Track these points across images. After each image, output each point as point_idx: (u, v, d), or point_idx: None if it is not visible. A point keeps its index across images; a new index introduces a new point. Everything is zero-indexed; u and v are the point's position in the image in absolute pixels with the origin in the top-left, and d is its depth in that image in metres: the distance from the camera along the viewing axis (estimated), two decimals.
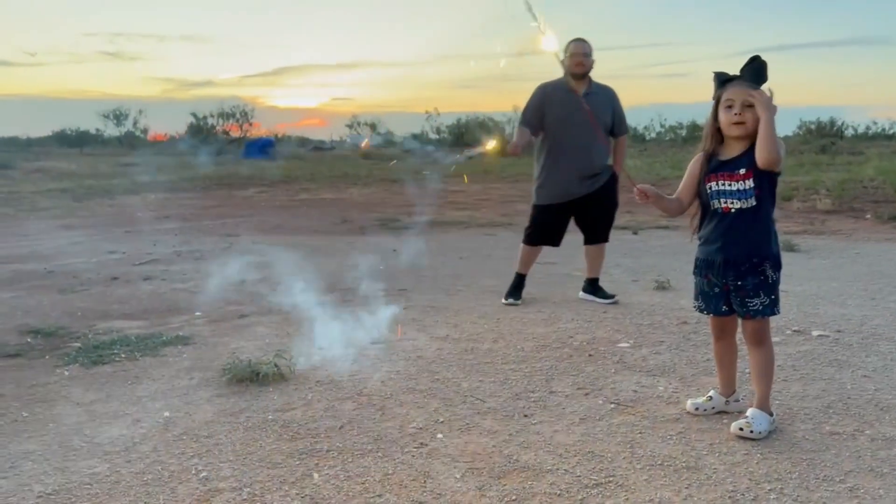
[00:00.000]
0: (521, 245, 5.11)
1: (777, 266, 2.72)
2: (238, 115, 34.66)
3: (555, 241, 5.04)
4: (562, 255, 7.22)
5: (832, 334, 4.06)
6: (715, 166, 2.74)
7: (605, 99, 4.91)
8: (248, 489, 2.35)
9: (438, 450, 2.63)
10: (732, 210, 2.70)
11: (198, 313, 4.81)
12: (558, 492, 2.31)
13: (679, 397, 3.12)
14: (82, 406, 3.12)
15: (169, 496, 2.32)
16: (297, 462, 2.54)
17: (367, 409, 3.03)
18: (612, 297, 4.97)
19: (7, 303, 5.12)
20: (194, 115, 35.19)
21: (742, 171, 2.66)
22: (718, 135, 2.74)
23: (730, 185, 2.69)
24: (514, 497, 2.28)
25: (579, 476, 2.41)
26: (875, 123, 32.08)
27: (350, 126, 38.07)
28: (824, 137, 25.78)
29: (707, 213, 2.80)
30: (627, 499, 2.26)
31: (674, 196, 2.90)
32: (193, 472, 2.48)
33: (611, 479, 2.39)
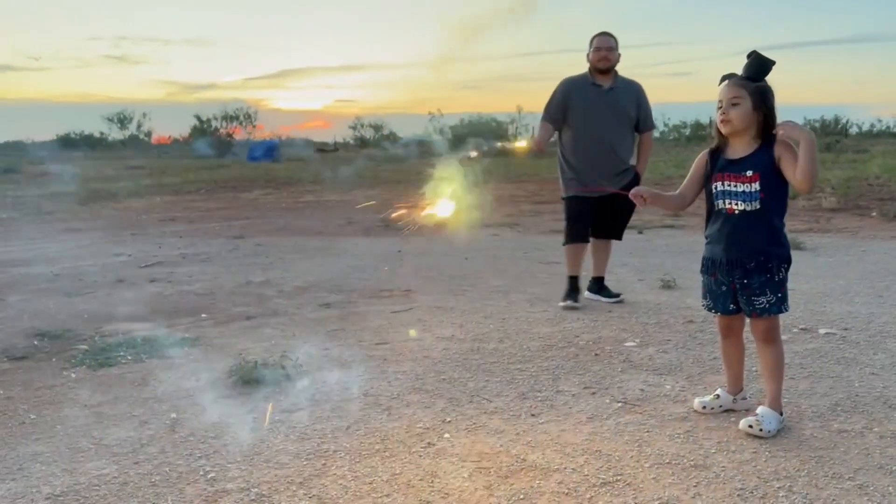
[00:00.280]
0: (564, 247, 4.98)
1: (785, 264, 2.71)
2: (242, 118, 34.76)
3: (589, 232, 4.91)
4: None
5: (839, 332, 4.05)
6: (722, 165, 2.73)
7: (630, 94, 4.84)
8: (256, 489, 2.35)
9: (446, 449, 2.63)
10: (736, 211, 2.70)
11: (204, 315, 4.82)
12: (566, 491, 2.31)
13: (686, 396, 3.11)
14: (90, 408, 3.13)
15: (177, 497, 2.32)
16: (305, 462, 2.55)
17: (374, 410, 3.03)
18: (617, 295, 4.95)
19: (14, 306, 5.14)
20: (198, 117, 35.31)
21: (749, 173, 2.66)
22: (721, 132, 2.74)
23: (735, 186, 2.68)
24: (522, 496, 2.28)
25: (587, 475, 2.41)
26: (880, 121, 32.07)
27: (354, 127, 38.09)
28: (829, 135, 25.73)
29: (712, 212, 2.80)
30: (635, 497, 2.26)
31: (676, 192, 2.90)
32: (201, 473, 2.48)
33: (619, 477, 2.39)
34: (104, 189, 15.28)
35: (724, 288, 2.79)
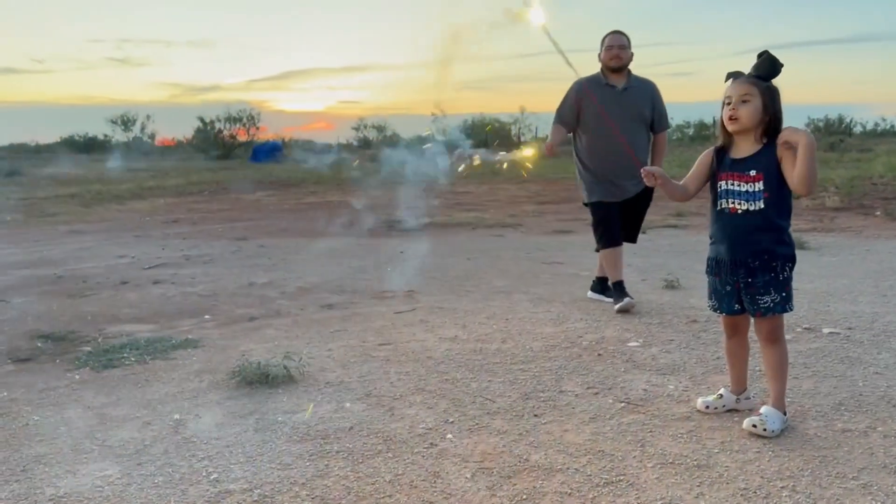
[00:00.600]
0: (600, 253, 4.85)
1: (789, 263, 2.70)
2: (245, 120, 34.79)
3: (620, 233, 4.82)
4: (569, 255, 7.22)
5: (843, 331, 4.04)
6: (727, 165, 2.73)
7: (646, 93, 4.76)
8: (259, 490, 2.35)
9: (448, 450, 2.63)
10: (739, 211, 2.69)
11: (207, 316, 4.82)
12: (569, 491, 2.31)
13: (689, 396, 3.11)
14: (93, 409, 3.13)
15: (180, 498, 2.32)
16: (308, 463, 2.55)
17: (377, 410, 3.03)
18: (615, 296, 4.85)
19: (18, 308, 5.15)
20: (201, 119, 35.34)
21: (752, 172, 2.65)
22: (727, 130, 2.73)
23: (739, 185, 2.68)
24: (524, 497, 2.28)
25: (590, 475, 2.40)
26: (884, 120, 31.95)
27: (357, 129, 38.11)
28: (833, 135, 25.69)
29: (715, 211, 2.80)
30: (638, 497, 2.26)
31: (681, 182, 2.90)
32: (204, 474, 2.48)
33: (621, 477, 2.39)
34: (107, 191, 15.31)
35: (728, 288, 2.79)
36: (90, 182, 17.38)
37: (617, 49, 4.65)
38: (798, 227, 8.52)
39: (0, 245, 8.66)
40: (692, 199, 3.01)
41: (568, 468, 2.46)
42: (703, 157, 2.83)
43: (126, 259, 7.35)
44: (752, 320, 2.83)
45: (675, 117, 32.71)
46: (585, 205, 4.91)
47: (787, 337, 2.90)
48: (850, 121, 29.72)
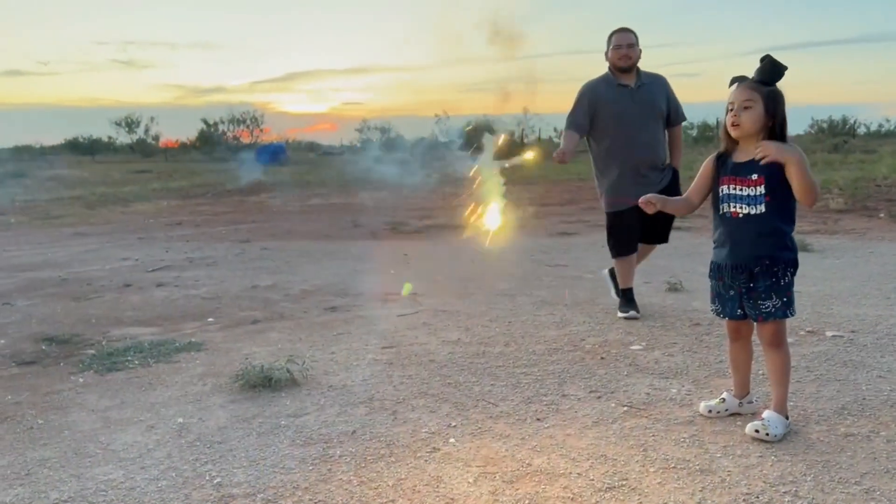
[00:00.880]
0: (614, 260, 4.76)
1: (791, 268, 2.69)
2: (249, 121, 34.87)
3: (634, 245, 4.71)
4: (572, 257, 7.22)
5: (846, 335, 4.03)
6: (729, 169, 2.73)
7: (659, 88, 4.62)
8: (262, 495, 2.36)
9: (451, 454, 2.63)
10: (740, 215, 2.69)
11: (210, 319, 4.83)
12: (571, 496, 2.31)
13: (692, 400, 3.11)
14: (97, 413, 3.14)
15: (183, 502, 2.33)
16: (311, 467, 2.55)
17: (380, 414, 3.04)
18: (619, 296, 4.73)
19: (22, 311, 5.17)
20: (205, 121, 35.43)
21: (754, 176, 2.65)
22: (730, 135, 2.73)
23: (740, 189, 2.68)
24: (527, 501, 2.28)
25: (592, 480, 2.40)
26: (888, 121, 31.93)
27: (360, 130, 38.19)
28: (836, 136, 25.64)
29: (717, 215, 2.80)
30: (640, 502, 2.26)
31: (683, 196, 2.90)
32: (207, 477, 2.49)
33: (624, 482, 2.39)
34: (112, 193, 15.35)
35: (731, 292, 2.78)
36: (95, 184, 17.42)
37: (626, 49, 4.51)
38: (801, 229, 8.50)
39: (5, 247, 8.69)
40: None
41: (570, 473, 2.46)
42: (705, 167, 2.83)
43: (130, 262, 7.37)
44: (754, 325, 2.83)
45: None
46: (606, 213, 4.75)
47: (790, 340, 2.90)
48: (854, 122, 29.69)
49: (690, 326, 4.31)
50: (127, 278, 6.37)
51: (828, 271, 6.03)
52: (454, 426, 2.89)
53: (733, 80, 2.71)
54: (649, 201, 2.84)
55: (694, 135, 30.66)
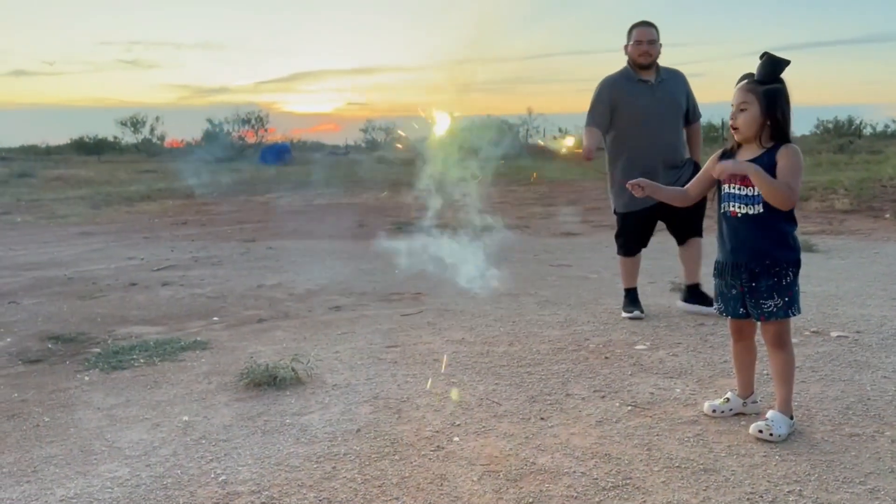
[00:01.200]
0: (619, 258, 4.70)
1: (793, 268, 2.69)
2: (254, 121, 34.92)
3: (645, 243, 4.67)
4: (576, 257, 7.22)
5: (851, 335, 4.02)
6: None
7: (679, 84, 4.53)
8: (267, 492, 2.37)
9: (455, 453, 2.64)
10: (739, 214, 2.69)
11: (215, 318, 4.85)
12: (575, 494, 2.31)
13: (696, 399, 3.11)
14: (102, 411, 3.16)
15: (188, 500, 2.34)
16: (315, 465, 2.56)
17: (384, 413, 3.04)
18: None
19: (28, 309, 5.19)
20: (210, 121, 35.49)
21: None
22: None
23: (739, 189, 2.68)
24: (530, 500, 2.28)
25: (596, 479, 2.41)
26: (894, 122, 31.76)
27: (365, 130, 38.23)
28: (842, 136, 25.55)
29: (719, 214, 2.80)
30: (644, 501, 2.26)
31: (683, 187, 2.91)
32: (212, 475, 2.50)
33: (628, 481, 2.39)
34: (117, 193, 15.39)
35: (733, 291, 2.78)
36: (100, 184, 17.47)
37: (646, 45, 4.40)
38: (806, 229, 8.49)
39: (11, 246, 8.72)
40: (699, 201, 3.02)
41: (574, 471, 2.46)
42: (710, 160, 2.83)
43: (135, 261, 7.40)
44: (758, 324, 2.83)
45: None
46: (615, 212, 4.69)
47: (795, 340, 2.90)
48: (860, 122, 29.55)
49: (695, 326, 4.31)
50: (132, 277, 6.40)
51: (833, 272, 6.02)
52: (458, 425, 2.89)
53: (741, 79, 2.70)
54: (638, 184, 2.84)
55: None
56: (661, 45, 4.48)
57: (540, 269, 6.53)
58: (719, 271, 2.82)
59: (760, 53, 2.65)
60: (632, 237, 4.62)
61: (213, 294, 5.63)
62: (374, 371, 3.60)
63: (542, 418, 2.95)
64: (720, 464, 2.50)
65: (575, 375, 3.47)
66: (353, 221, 10.80)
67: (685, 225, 4.57)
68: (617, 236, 4.72)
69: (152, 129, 38.40)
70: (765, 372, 3.26)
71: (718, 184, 2.77)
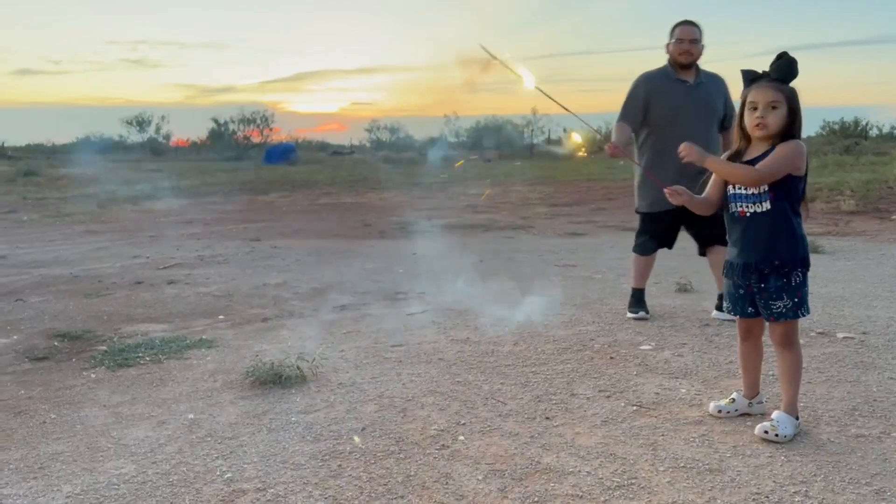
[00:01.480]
0: (633, 256, 4.64)
1: (802, 268, 2.68)
2: (259, 121, 35.00)
3: (669, 244, 4.59)
4: (581, 257, 7.21)
5: (858, 336, 4.01)
6: None
7: (718, 88, 4.44)
8: (272, 490, 2.37)
9: (460, 452, 2.64)
10: (747, 213, 2.68)
11: (221, 316, 4.86)
12: (580, 494, 2.31)
13: (702, 399, 3.10)
14: (109, 408, 3.17)
15: (194, 497, 2.35)
16: (320, 463, 2.56)
17: (389, 411, 3.05)
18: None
19: (34, 307, 5.21)
20: (215, 120, 35.58)
21: None
22: (745, 134, 2.71)
23: (745, 188, 2.67)
24: (536, 499, 2.28)
25: (601, 478, 2.41)
26: None
27: (369, 130, 38.28)
28: (848, 138, 25.43)
29: (727, 215, 2.79)
30: (650, 501, 2.26)
31: (703, 195, 2.87)
32: (218, 473, 2.51)
33: (633, 481, 2.39)
34: (123, 192, 15.44)
35: (741, 291, 2.78)
36: (105, 183, 17.52)
37: (688, 44, 4.31)
38: (812, 230, 8.47)
39: (17, 245, 8.75)
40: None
41: (579, 471, 2.46)
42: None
43: (141, 259, 7.42)
44: (766, 325, 2.82)
45: None
46: (637, 212, 4.65)
47: (801, 341, 2.89)
48: (866, 123, 29.38)
49: (700, 327, 4.30)
50: (138, 276, 6.41)
51: (839, 273, 6.00)
52: (463, 424, 2.89)
53: (747, 76, 2.68)
54: (677, 192, 2.80)
55: None
56: (703, 45, 4.39)
57: (545, 269, 6.53)
58: (729, 272, 2.81)
59: (779, 53, 2.64)
60: (652, 237, 4.56)
61: (219, 293, 5.64)
62: (380, 370, 3.60)
63: (547, 418, 2.95)
64: (725, 464, 2.49)
65: (580, 375, 3.47)
66: (357, 221, 10.82)
67: (707, 232, 4.40)
68: (637, 234, 4.66)
69: (158, 129, 38.52)
70: (771, 373, 3.25)
71: (726, 184, 2.76)
